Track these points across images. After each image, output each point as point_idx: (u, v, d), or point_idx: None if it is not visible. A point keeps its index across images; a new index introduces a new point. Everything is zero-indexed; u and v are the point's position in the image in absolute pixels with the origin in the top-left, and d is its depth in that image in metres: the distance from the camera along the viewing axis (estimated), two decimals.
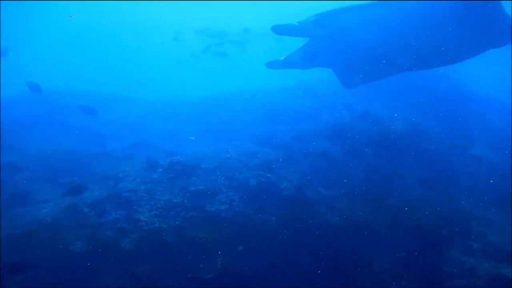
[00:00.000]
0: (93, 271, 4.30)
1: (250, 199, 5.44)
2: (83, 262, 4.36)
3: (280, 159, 6.55)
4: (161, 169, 5.87)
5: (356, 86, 6.15)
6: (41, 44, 33.82)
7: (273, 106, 9.43)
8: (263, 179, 5.70)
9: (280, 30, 4.73)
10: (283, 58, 5.10)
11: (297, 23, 4.83)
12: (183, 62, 23.67)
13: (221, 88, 12.67)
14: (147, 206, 5.17)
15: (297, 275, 4.53)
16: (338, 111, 9.01)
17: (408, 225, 5.39)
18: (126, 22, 35.39)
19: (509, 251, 4.90)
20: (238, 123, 8.74)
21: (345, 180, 6.59)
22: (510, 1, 27.84)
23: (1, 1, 21.83)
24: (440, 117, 9.77)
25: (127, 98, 12.75)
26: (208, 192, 5.40)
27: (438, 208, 6.27)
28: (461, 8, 5.19)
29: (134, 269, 4.33)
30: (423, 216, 5.86)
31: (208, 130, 8.91)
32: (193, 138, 8.02)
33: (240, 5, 25.20)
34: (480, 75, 12.76)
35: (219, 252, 4.55)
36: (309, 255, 4.79)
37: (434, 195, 6.81)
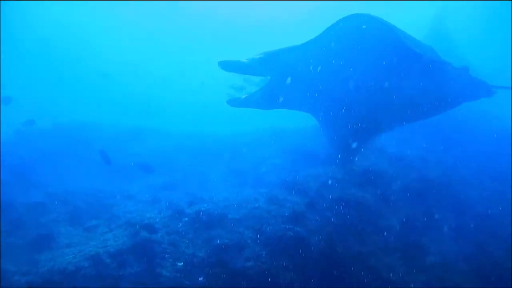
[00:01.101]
0: None
1: (278, 255, 5.12)
2: None
3: (310, 209, 6.22)
4: (186, 218, 5.67)
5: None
6: (65, 81, 35.07)
7: (299, 147, 9.17)
8: (291, 233, 5.38)
9: (227, 66, 4.55)
10: (244, 96, 4.86)
11: (245, 60, 4.64)
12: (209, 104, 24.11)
13: (247, 126, 12.58)
14: (170, 260, 4.94)
15: None
16: (368, 154, 8.65)
17: None
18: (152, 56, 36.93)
19: None
20: (265, 165, 8.50)
21: (381, 233, 6.19)
22: (510, 1, 25.93)
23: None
24: (480, 159, 9.26)
25: (154, 130, 12.83)
26: (234, 246, 5.12)
27: (478, 267, 5.82)
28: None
29: None
30: (463, 278, 5.43)
31: (234, 170, 8.71)
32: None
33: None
34: None
35: None
36: None
37: (473, 250, 6.34)
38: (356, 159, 7.26)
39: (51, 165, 8.64)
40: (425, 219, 7.00)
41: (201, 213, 5.61)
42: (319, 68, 4.69)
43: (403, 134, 10.55)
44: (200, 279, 4.74)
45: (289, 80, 4.73)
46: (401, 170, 8.46)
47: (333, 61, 4.60)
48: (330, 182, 7.14)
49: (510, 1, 25.25)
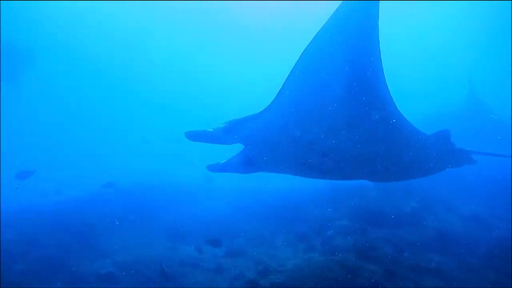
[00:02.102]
0: None
1: None
2: None
3: (388, 278, 5.80)
4: None
5: None
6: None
7: (363, 206, 8.81)
8: None
9: (193, 136, 4.48)
10: (223, 161, 4.69)
11: (211, 130, 4.52)
12: None
13: (300, 183, 12.35)
14: None
15: None
16: (442, 214, 8.16)
17: None
18: None
19: None
20: (331, 227, 8.17)
21: None
22: (510, 1, 24.84)
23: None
24: None
25: (208, 188, 12.87)
26: None
27: None
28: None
29: None
30: None
31: (298, 233, 8.43)
32: None
33: None
34: None
35: None
36: None
37: None
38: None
39: (117, 230, 8.78)
40: None
41: (277, 286, 5.36)
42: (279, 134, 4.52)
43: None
44: None
45: (257, 146, 4.66)
46: (476, 230, 7.88)
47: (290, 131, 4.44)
48: (406, 246, 6.71)
49: (510, 0, 24.71)
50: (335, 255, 6.59)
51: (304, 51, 3.78)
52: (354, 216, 8.21)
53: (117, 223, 9.03)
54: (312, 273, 5.81)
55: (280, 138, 4.51)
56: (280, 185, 13.09)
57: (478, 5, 27.02)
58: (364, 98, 4.12)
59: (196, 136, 4.49)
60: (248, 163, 4.64)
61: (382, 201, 8.52)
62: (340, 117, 4.25)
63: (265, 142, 4.59)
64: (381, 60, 3.93)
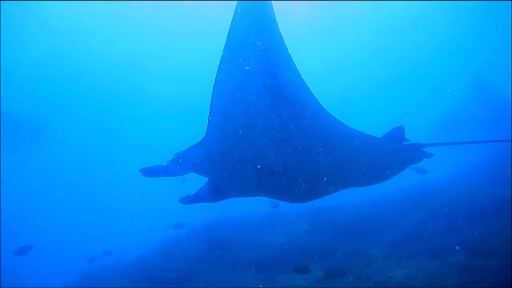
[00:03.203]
0: None
1: None
2: None
3: None
4: None
5: None
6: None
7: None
8: None
9: (148, 172, 4.48)
10: (193, 193, 4.68)
11: (164, 163, 4.49)
12: None
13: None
14: None
15: None
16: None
17: None
18: None
19: None
20: None
21: None
22: (510, 1, 23.83)
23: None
24: None
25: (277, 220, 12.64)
26: None
27: None
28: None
29: None
30: None
31: None
32: None
33: None
34: None
35: None
36: None
37: None
38: None
39: (207, 271, 8.83)
40: None
41: None
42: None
43: None
44: None
45: (211, 174, 4.67)
46: None
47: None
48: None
49: (510, 0, 24.25)
50: (445, 258, 6.39)
51: (217, 71, 3.75)
52: (449, 215, 7.94)
53: (205, 267, 9.10)
54: (433, 279, 5.64)
55: (223, 165, 4.57)
56: (339, 201, 12.90)
57: (478, 5, 27.06)
58: (286, 107, 4.09)
59: (150, 172, 4.56)
60: (214, 192, 4.68)
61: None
62: (271, 132, 4.21)
63: (213, 170, 4.63)
64: (294, 65, 3.83)
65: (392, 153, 4.67)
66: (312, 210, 11.81)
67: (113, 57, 33.16)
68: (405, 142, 4.70)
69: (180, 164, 4.55)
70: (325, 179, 4.70)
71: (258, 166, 4.53)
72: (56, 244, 21.67)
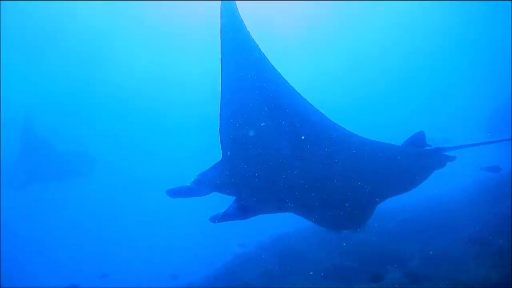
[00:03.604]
0: None
1: None
2: None
3: None
4: None
5: None
6: None
7: None
8: None
9: (174, 193, 4.56)
10: (222, 211, 4.66)
11: (188, 184, 4.55)
12: None
13: None
14: None
15: None
16: None
17: None
18: None
19: None
20: None
21: None
22: (510, 1, 22.49)
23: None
24: None
25: None
26: None
27: None
28: None
29: None
30: None
31: None
32: None
33: None
34: None
35: None
36: None
37: None
38: None
39: None
40: None
41: None
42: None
43: None
44: None
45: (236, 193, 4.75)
46: None
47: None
48: None
49: (510, 0, 23.46)
50: None
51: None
52: None
53: (281, 281, 9.17)
54: None
55: (240, 184, 4.64)
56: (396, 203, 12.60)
57: (478, 5, 26.12)
58: (287, 124, 4.13)
59: (175, 193, 4.66)
60: (242, 210, 4.73)
61: None
62: (280, 147, 4.25)
63: (232, 190, 4.71)
64: (284, 81, 3.88)
65: (415, 160, 4.62)
66: (378, 214, 11.64)
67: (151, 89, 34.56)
68: (426, 148, 4.67)
69: (202, 185, 4.66)
70: (349, 193, 4.63)
71: (274, 183, 4.55)
72: (123, 270, 22.45)
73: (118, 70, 32.80)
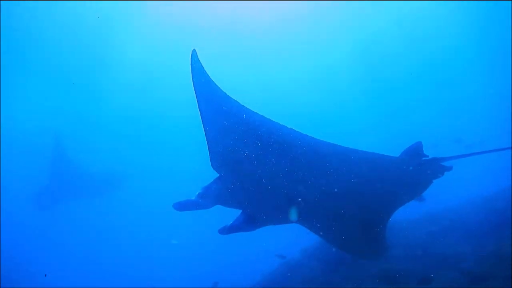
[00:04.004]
0: None
1: None
2: None
3: None
4: None
5: None
6: None
7: None
8: None
9: (180, 206, 4.75)
10: (230, 223, 4.81)
11: (193, 198, 4.74)
12: None
13: None
14: None
15: None
16: None
17: None
18: None
19: None
20: None
21: None
22: (510, 1, 21.94)
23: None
24: None
25: None
26: None
27: None
28: None
29: None
30: None
31: None
32: None
33: None
34: None
35: None
36: None
37: None
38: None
39: None
40: None
41: None
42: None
43: None
44: None
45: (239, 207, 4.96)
46: None
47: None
48: None
49: (510, 0, 23.19)
50: None
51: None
52: None
53: None
54: None
55: (238, 199, 4.82)
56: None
57: (478, 5, 25.83)
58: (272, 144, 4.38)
59: (181, 206, 4.85)
60: (248, 222, 4.84)
61: None
62: (273, 167, 4.46)
63: (232, 204, 4.91)
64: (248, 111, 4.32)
65: (413, 171, 4.62)
66: (427, 215, 11.46)
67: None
68: (424, 158, 4.67)
69: (205, 198, 4.87)
70: (350, 208, 4.71)
71: (268, 199, 4.71)
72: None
73: (151, 95, 33.74)
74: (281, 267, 11.92)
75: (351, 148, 4.38)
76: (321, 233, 5.15)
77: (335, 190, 4.52)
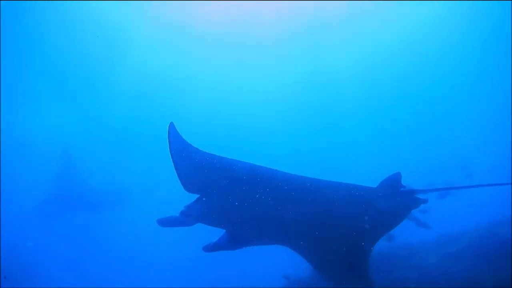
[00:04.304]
0: None
1: None
2: None
3: None
4: None
5: None
6: None
7: None
8: None
9: (163, 222, 4.95)
10: (214, 241, 4.95)
11: (177, 214, 4.91)
12: None
13: None
14: None
15: None
16: None
17: None
18: None
19: None
20: None
21: None
22: (510, 1, 21.87)
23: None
24: None
25: None
26: None
27: None
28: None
29: None
30: None
31: None
32: None
33: None
34: None
35: None
36: None
37: None
38: None
39: None
40: None
41: None
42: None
43: None
44: None
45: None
46: None
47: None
48: None
49: (510, 0, 23.21)
50: None
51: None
52: None
53: None
54: None
55: (216, 219, 5.02)
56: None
57: (478, 5, 26.24)
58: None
59: (164, 222, 5.05)
60: (231, 241, 4.97)
61: None
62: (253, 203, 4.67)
63: (212, 223, 5.07)
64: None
65: (391, 201, 4.63)
66: (440, 240, 11.20)
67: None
68: (401, 189, 4.71)
69: (188, 217, 5.05)
70: (327, 234, 4.76)
71: (247, 222, 4.89)
72: None
73: (158, 108, 34.02)
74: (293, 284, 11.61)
75: (321, 180, 4.54)
76: (301, 254, 5.24)
77: (303, 217, 4.68)
